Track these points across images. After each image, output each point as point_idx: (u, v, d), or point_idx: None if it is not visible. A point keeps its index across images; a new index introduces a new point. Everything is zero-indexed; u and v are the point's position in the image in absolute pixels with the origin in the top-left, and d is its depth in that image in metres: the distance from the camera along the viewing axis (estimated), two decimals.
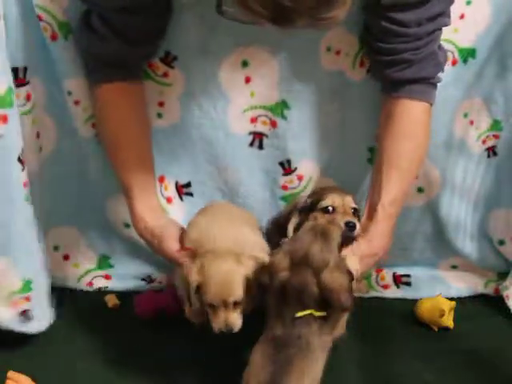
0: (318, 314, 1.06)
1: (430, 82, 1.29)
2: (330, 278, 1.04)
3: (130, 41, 1.23)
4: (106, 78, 1.27)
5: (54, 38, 1.28)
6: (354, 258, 1.18)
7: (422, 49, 1.25)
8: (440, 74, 1.31)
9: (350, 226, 1.20)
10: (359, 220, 1.25)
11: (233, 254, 1.19)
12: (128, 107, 1.30)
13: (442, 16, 1.25)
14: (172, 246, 1.23)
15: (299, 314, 1.05)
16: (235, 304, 1.18)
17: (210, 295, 1.17)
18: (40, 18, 1.25)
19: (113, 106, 1.29)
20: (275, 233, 1.28)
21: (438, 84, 1.32)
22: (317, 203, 1.24)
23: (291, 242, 1.11)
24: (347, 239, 1.18)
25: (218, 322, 1.19)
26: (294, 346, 1.04)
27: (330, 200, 1.23)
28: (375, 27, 1.26)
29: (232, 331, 1.19)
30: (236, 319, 1.19)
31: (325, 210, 1.23)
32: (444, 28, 1.28)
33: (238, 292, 1.17)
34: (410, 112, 1.30)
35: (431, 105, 1.31)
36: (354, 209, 1.25)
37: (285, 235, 1.23)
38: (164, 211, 1.39)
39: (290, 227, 1.24)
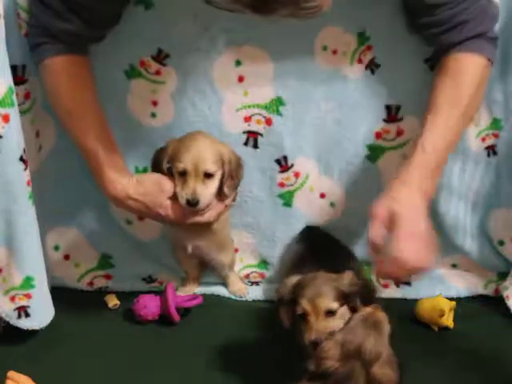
0: None
1: (487, 36, 1.28)
2: (381, 373, 1.06)
3: (86, 22, 1.24)
4: (58, 52, 1.27)
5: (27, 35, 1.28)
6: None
7: (472, 7, 1.24)
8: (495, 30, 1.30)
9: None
10: (350, 306, 1.15)
11: (206, 134, 1.31)
12: (80, 77, 1.30)
13: None
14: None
15: None
16: (207, 176, 1.22)
17: (184, 160, 1.23)
18: (18, 16, 1.25)
19: (66, 77, 1.29)
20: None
21: None
22: (295, 301, 1.16)
23: (344, 333, 1.08)
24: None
25: (186, 190, 1.22)
26: None
27: (300, 308, 1.13)
28: (418, 6, 1.26)
29: (197, 204, 1.21)
30: (204, 190, 1.22)
31: (300, 315, 1.15)
32: None
33: (209, 164, 1.23)
34: (467, 66, 1.27)
35: (491, 62, 1.29)
36: (329, 311, 1.13)
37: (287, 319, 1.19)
38: (131, 172, 1.38)
39: (285, 320, 1.19)
